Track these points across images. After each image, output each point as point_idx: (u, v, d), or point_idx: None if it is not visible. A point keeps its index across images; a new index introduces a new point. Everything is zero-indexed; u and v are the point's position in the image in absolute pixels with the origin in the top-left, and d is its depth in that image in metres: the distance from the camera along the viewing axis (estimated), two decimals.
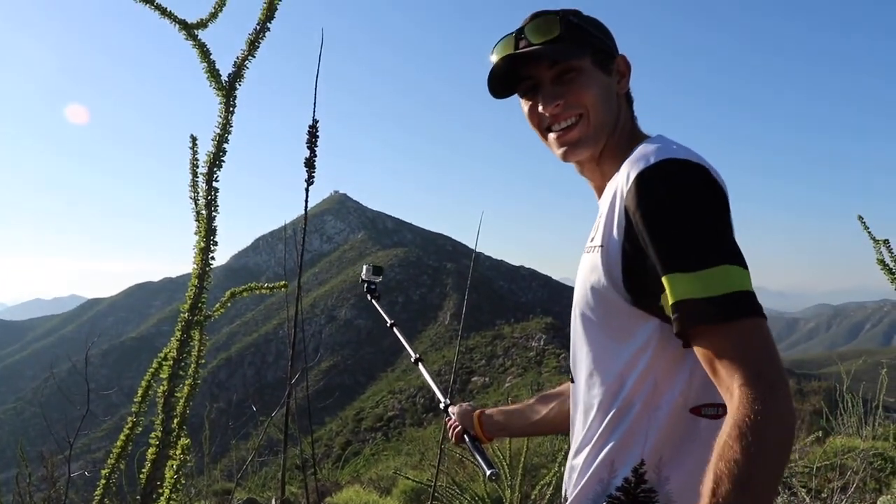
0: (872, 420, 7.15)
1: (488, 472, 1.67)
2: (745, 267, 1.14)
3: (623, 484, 1.25)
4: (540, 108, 1.45)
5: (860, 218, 1.79)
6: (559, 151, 1.46)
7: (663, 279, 1.15)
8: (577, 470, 1.36)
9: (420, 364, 2.20)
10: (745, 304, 1.10)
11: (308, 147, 1.42)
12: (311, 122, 1.44)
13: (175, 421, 1.13)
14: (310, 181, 1.45)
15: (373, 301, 2.42)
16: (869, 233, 1.76)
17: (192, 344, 1.16)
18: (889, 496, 4.79)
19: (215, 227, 1.18)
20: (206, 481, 6.24)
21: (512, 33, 1.47)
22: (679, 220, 1.16)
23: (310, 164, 1.44)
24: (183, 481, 1.12)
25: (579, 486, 1.32)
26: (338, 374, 73.81)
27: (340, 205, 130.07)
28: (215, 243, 1.17)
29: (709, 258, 1.12)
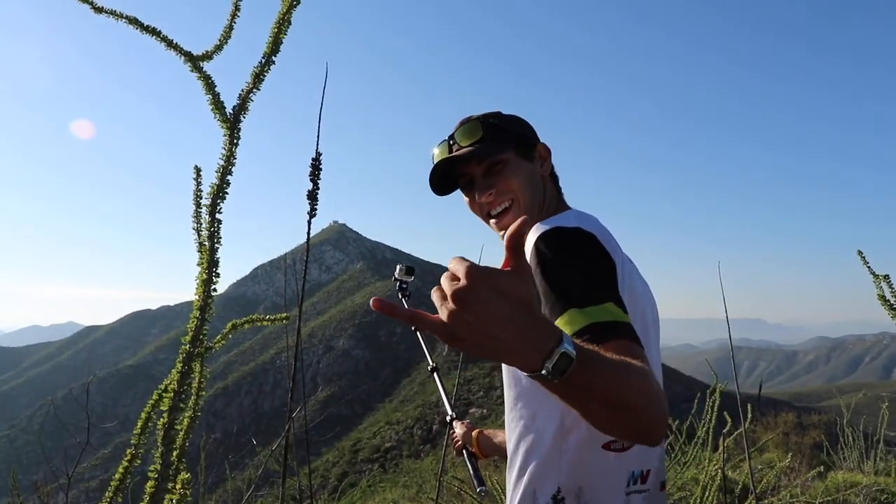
0: (874, 454, 7.09)
1: (478, 489, 1.79)
2: (625, 310, 1.31)
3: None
4: (477, 199, 1.73)
5: (860, 253, 1.79)
6: (500, 234, 1.71)
7: (559, 318, 1.29)
8: (509, 493, 1.58)
9: (435, 374, 2.36)
10: (629, 331, 1.26)
11: (311, 180, 1.42)
12: (314, 155, 1.44)
13: (174, 454, 1.12)
14: (312, 213, 1.45)
15: (403, 301, 2.58)
16: (869, 268, 1.76)
17: (192, 376, 1.16)
18: None
19: (218, 258, 1.17)
20: None
21: (446, 139, 1.77)
22: (568, 272, 1.36)
23: (312, 196, 1.44)
24: None
25: None
26: (335, 404, 73.27)
27: (339, 235, 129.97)
28: (217, 275, 1.17)
29: (594, 297, 1.29)
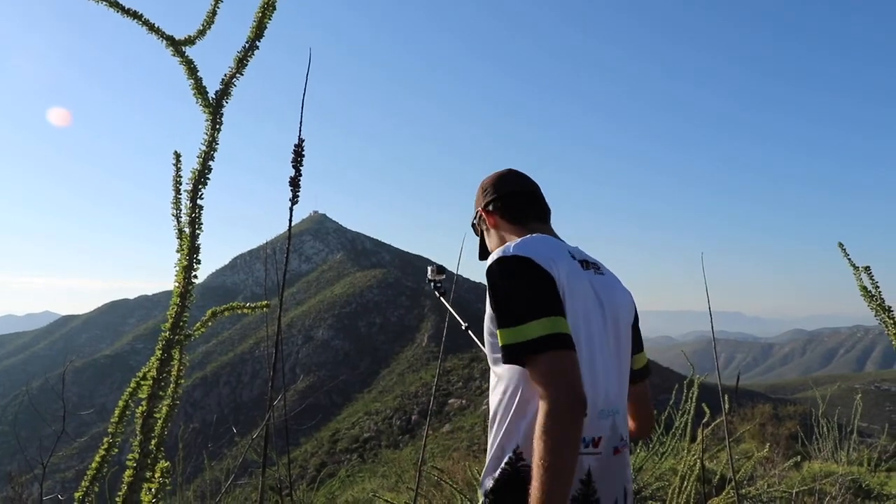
0: (848, 445, 7.20)
1: None
2: (552, 316, 1.75)
3: (508, 460, 1.83)
4: None
5: (841, 245, 1.80)
6: None
7: (498, 334, 1.80)
8: (488, 449, 1.93)
9: (470, 332, 2.79)
10: (543, 344, 1.70)
11: (293, 166, 1.41)
12: (296, 141, 1.42)
13: (153, 442, 1.10)
14: (294, 200, 1.44)
15: (442, 299, 2.97)
16: (849, 260, 1.77)
17: (172, 363, 1.14)
18: None
19: (199, 245, 1.16)
20: (179, 502, 6.14)
21: None
22: (501, 295, 1.81)
23: (295, 183, 1.42)
24: None
25: (487, 465, 1.89)
26: (314, 394, 73.13)
27: (319, 225, 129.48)
28: (198, 262, 1.15)
29: (520, 318, 1.74)
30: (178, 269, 1.13)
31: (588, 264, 2.03)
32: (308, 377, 78.04)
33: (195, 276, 1.15)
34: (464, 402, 56.52)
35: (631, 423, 2.18)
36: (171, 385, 1.18)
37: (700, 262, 3.44)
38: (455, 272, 3.52)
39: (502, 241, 2.19)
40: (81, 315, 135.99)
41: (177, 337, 1.12)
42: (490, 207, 2.26)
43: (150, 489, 1.06)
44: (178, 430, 5.80)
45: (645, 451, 5.27)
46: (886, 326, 1.70)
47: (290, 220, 1.48)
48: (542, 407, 1.65)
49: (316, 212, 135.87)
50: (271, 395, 1.80)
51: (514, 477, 1.80)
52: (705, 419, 3.93)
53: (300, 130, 1.41)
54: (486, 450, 1.97)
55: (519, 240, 1.99)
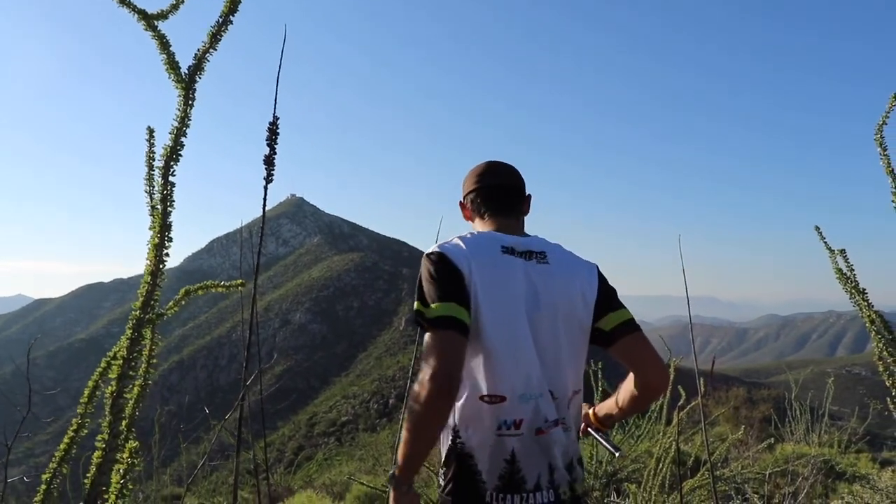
0: (819, 428, 7.33)
1: (617, 454, 2.39)
2: (448, 302, 1.93)
3: (451, 436, 2.02)
4: None
5: (817, 228, 1.81)
6: None
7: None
8: None
9: None
10: (434, 323, 1.89)
11: (268, 144, 1.39)
12: (271, 119, 1.40)
13: (123, 423, 1.08)
14: (269, 179, 1.42)
15: None
16: (825, 243, 1.78)
17: (143, 343, 1.12)
18: (837, 502, 4.90)
19: (170, 222, 1.14)
20: (155, 486, 6.11)
21: None
22: (419, 283, 2.01)
23: (269, 161, 1.40)
24: (130, 486, 1.07)
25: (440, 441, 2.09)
26: (291, 378, 73.05)
27: (297, 208, 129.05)
28: (170, 239, 1.13)
29: (429, 301, 1.94)
30: (149, 246, 1.11)
31: (532, 254, 2.14)
32: (285, 361, 77.93)
33: (167, 255, 1.14)
34: None
35: (639, 381, 2.23)
36: (143, 365, 1.16)
37: (677, 246, 3.44)
38: None
39: None
40: (55, 298, 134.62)
41: (148, 316, 1.10)
42: (463, 202, 2.45)
43: (118, 470, 1.04)
44: (154, 413, 5.76)
45: (621, 433, 5.32)
46: (861, 308, 1.72)
47: (265, 199, 1.46)
48: (421, 374, 1.85)
49: (293, 195, 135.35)
50: (245, 377, 1.79)
51: (453, 451, 2.02)
52: (681, 402, 3.97)
53: (274, 108, 1.39)
54: None
55: (458, 237, 2.16)
